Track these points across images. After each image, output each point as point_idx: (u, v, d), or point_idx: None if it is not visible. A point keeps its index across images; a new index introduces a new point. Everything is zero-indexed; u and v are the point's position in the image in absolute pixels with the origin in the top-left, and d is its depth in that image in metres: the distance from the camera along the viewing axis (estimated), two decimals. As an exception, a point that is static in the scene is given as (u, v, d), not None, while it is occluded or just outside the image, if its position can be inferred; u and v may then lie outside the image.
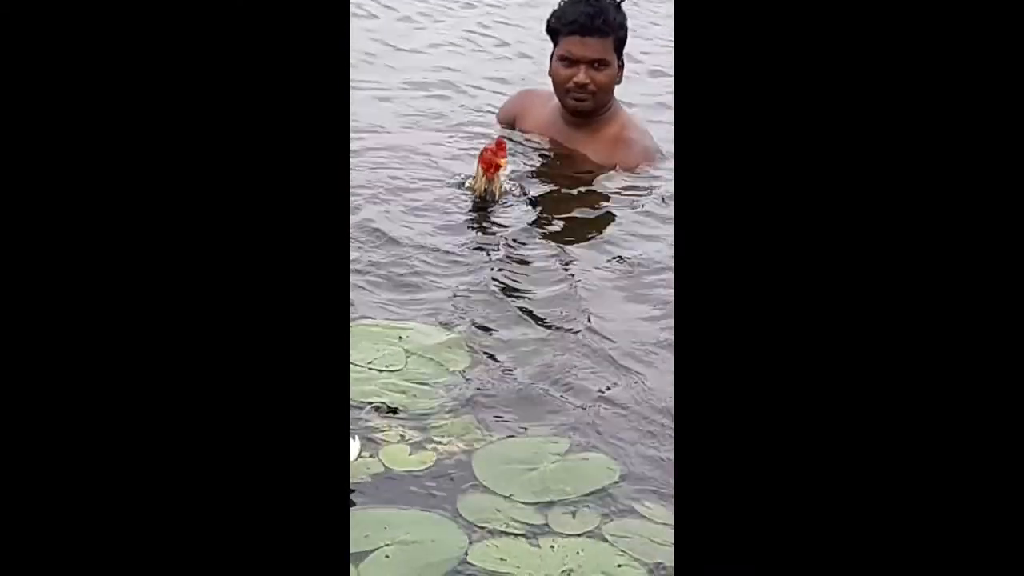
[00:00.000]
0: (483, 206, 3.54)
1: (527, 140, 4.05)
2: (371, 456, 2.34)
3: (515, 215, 3.56)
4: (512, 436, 2.46)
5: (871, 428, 1.30)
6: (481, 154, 3.55)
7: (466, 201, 3.59)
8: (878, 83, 1.32)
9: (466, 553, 2.10)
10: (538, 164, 3.92)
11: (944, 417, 1.29)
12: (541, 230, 3.49)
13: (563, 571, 2.07)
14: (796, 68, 1.33)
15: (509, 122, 4.18)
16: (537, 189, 3.73)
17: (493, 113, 4.38)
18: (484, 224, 3.49)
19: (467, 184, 3.63)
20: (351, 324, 2.83)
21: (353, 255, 3.16)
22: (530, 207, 3.59)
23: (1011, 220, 1.29)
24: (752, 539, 1.30)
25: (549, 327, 2.91)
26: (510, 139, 3.96)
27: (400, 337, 2.78)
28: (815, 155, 1.32)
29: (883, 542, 1.29)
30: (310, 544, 1.33)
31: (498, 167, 3.50)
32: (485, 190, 3.54)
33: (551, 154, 3.95)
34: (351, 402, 2.51)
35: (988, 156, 1.30)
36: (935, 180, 1.30)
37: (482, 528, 2.17)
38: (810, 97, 1.32)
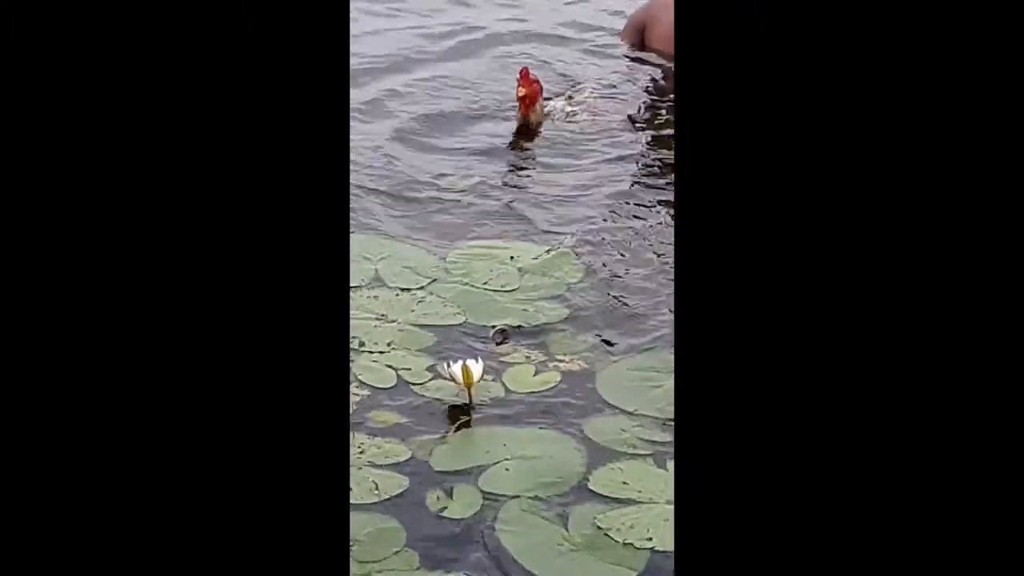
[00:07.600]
0: (523, 135, 3.54)
1: (656, 58, 3.95)
2: (494, 380, 2.42)
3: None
4: (635, 353, 2.52)
5: (872, 429, 1.30)
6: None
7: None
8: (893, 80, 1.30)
9: (588, 474, 2.17)
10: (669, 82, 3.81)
11: (943, 417, 1.29)
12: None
13: (685, 492, 2.14)
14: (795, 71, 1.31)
15: (636, 35, 4.07)
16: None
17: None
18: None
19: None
20: (463, 247, 2.91)
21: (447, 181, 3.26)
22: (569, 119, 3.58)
23: (1011, 220, 1.28)
24: (752, 538, 1.32)
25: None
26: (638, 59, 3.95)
27: (511, 257, 2.85)
28: (814, 155, 1.31)
29: (882, 543, 1.30)
30: (311, 542, 1.34)
31: (525, 99, 3.48)
32: (523, 121, 3.55)
33: None
34: (474, 324, 2.60)
35: (988, 159, 1.28)
36: (935, 184, 1.29)
37: (607, 449, 2.23)
38: (808, 96, 1.30)
